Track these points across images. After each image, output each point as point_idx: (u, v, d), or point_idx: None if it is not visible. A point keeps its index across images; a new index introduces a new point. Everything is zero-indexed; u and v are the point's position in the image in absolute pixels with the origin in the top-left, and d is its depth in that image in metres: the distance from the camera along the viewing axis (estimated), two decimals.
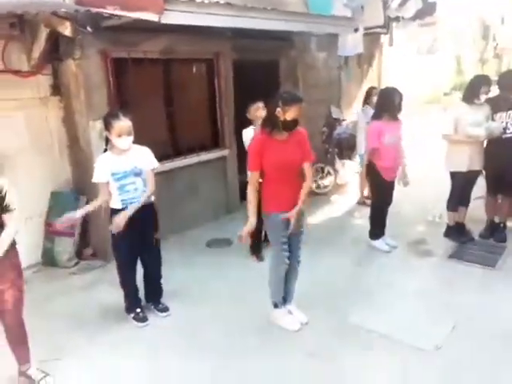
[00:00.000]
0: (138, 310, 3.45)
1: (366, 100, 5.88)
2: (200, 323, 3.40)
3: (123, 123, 3.02)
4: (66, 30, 3.38)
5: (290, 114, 2.85)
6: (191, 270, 4.27)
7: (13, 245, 2.58)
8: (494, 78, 4.72)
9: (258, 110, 4.10)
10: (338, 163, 6.78)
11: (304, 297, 3.47)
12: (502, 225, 4.70)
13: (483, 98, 4.30)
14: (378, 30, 7.52)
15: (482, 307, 3.41)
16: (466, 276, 3.95)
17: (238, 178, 5.80)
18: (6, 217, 2.46)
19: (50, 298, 3.81)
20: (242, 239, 3.01)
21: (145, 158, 3.23)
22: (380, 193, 4.50)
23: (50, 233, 4.45)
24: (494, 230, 4.70)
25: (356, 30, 6.51)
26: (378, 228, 4.60)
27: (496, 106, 4.36)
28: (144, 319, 3.42)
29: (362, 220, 5.24)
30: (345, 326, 3.26)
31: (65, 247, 4.43)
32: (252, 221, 2.99)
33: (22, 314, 2.70)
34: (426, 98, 16.32)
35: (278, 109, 2.84)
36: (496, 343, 2.97)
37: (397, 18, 7.70)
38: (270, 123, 2.92)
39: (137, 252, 3.35)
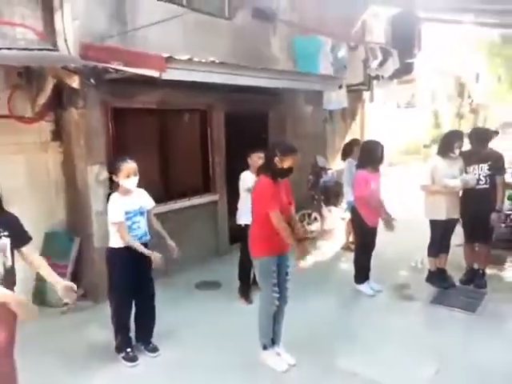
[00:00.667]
0: (129, 349, 3.49)
1: (347, 152, 6.08)
2: (189, 364, 3.44)
3: (131, 165, 3.28)
4: (74, 82, 3.67)
5: (286, 163, 3.13)
6: (180, 312, 4.32)
7: (13, 282, 2.68)
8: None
9: (261, 158, 4.29)
10: (324, 209, 7.03)
11: (291, 339, 3.55)
12: (481, 271, 4.89)
13: (457, 151, 4.64)
14: (360, 87, 8.07)
15: (464, 351, 3.54)
16: (447, 320, 4.10)
17: (228, 222, 5.98)
18: (26, 249, 2.58)
19: (40, 337, 3.80)
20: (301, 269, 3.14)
21: (146, 198, 3.46)
22: (364, 238, 4.71)
23: None
24: (473, 277, 4.89)
25: (340, 87, 7.02)
26: (362, 272, 4.77)
27: (468, 159, 4.70)
28: (134, 359, 3.46)
29: (348, 264, 5.41)
30: (331, 368, 3.34)
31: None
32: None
33: (12, 353, 2.71)
34: (406, 149, 17.08)
35: (276, 158, 3.10)
36: None
37: (377, 77, 8.29)
38: (269, 170, 3.16)
39: (133, 290, 3.44)
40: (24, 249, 2.65)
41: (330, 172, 7.37)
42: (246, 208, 4.23)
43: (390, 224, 4.56)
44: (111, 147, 4.54)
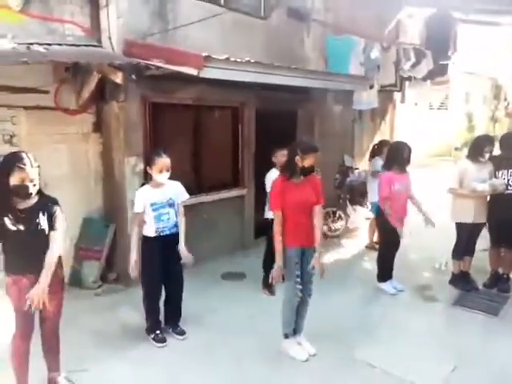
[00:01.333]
0: (158, 331, 3.71)
1: (376, 152, 6.20)
2: (213, 348, 3.63)
3: (165, 160, 3.46)
4: (118, 78, 3.90)
5: (307, 162, 3.25)
6: (206, 300, 4.52)
7: (59, 260, 2.92)
8: None
9: (284, 156, 4.45)
10: (349, 208, 7.09)
11: (313, 330, 3.69)
12: (505, 276, 4.89)
13: (487, 156, 4.65)
14: (391, 87, 8.05)
15: (482, 352, 3.59)
16: (468, 322, 4.14)
17: (254, 217, 6.15)
18: (51, 234, 2.77)
19: (76, 316, 4.05)
20: (273, 280, 3.28)
21: (178, 191, 3.64)
22: (388, 238, 4.77)
23: (80, 256, 4.79)
24: (497, 281, 4.89)
25: (371, 87, 7.05)
26: (385, 271, 4.84)
27: (498, 164, 4.70)
28: (163, 340, 3.67)
29: (371, 263, 5.48)
30: (350, 359, 3.47)
31: (91, 270, 4.76)
32: (279, 264, 3.28)
33: (59, 324, 2.99)
34: (436, 151, 16.80)
35: (297, 156, 3.24)
36: None
37: (409, 78, 8.25)
38: (290, 169, 3.31)
39: (163, 277, 3.65)
40: (52, 232, 2.76)
41: (356, 171, 7.42)
42: None
43: (429, 220, 4.64)
44: (148, 140, 4.77)
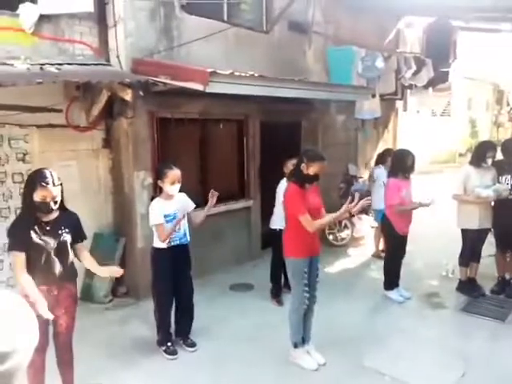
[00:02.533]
0: (169, 343, 3.76)
1: (379, 161, 6.26)
2: (223, 360, 3.67)
3: (176, 172, 3.57)
4: (127, 95, 4.02)
5: (312, 170, 3.33)
6: (215, 311, 4.57)
7: (74, 275, 3.01)
8: None
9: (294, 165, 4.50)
10: (355, 217, 7.14)
11: (322, 339, 3.74)
12: None
13: (489, 161, 4.71)
14: (393, 96, 8.16)
15: (491, 357, 3.62)
16: (476, 328, 4.17)
17: (261, 228, 6.22)
18: (79, 246, 2.93)
19: (88, 329, 4.12)
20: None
21: (186, 202, 3.73)
22: (394, 245, 4.83)
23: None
24: (504, 286, 4.92)
25: (373, 96, 7.15)
26: (392, 279, 4.88)
27: (501, 169, 4.76)
28: (174, 352, 3.73)
29: (377, 272, 5.51)
30: (359, 368, 3.50)
31: (102, 284, 4.82)
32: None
33: (72, 339, 3.06)
34: (441, 157, 16.83)
35: (303, 164, 3.31)
36: None
37: (410, 86, 8.35)
38: (297, 176, 3.38)
39: (174, 288, 3.72)
40: (79, 245, 2.97)
41: (361, 180, 7.48)
42: (280, 213, 4.48)
43: (424, 204, 4.51)
44: (156, 154, 4.88)
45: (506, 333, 4.05)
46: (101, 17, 4.52)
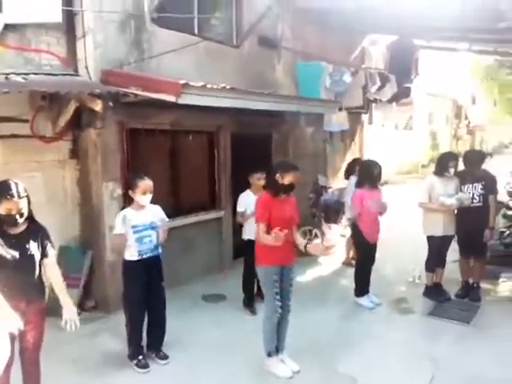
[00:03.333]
0: (141, 357, 3.68)
1: (350, 170, 6.44)
2: (197, 370, 3.63)
3: (148, 182, 3.54)
4: (97, 106, 3.97)
5: (287, 179, 3.42)
6: (188, 322, 4.51)
7: (42, 290, 2.91)
8: None
9: (260, 179, 4.59)
10: (325, 226, 7.26)
11: (295, 347, 3.75)
12: (475, 285, 5.11)
13: (452, 171, 4.93)
14: (359, 110, 8.44)
15: (458, 359, 3.74)
16: (443, 331, 4.30)
17: (232, 238, 6.22)
18: (48, 261, 2.84)
19: (56, 344, 3.93)
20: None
21: (158, 214, 3.69)
22: (364, 253, 4.95)
23: None
24: (468, 290, 5.11)
25: (340, 110, 7.38)
26: (362, 286, 4.98)
27: (463, 179, 4.99)
28: (146, 366, 3.64)
29: (348, 280, 5.62)
30: (333, 373, 3.55)
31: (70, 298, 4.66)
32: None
33: (39, 354, 2.95)
34: (404, 169, 17.46)
35: (278, 174, 3.40)
36: None
37: (375, 100, 8.67)
38: (271, 186, 3.46)
39: (146, 300, 3.65)
40: (48, 261, 2.87)
41: (330, 190, 7.65)
42: (250, 224, 4.53)
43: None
44: (125, 165, 4.81)
45: (471, 335, 4.20)
46: (69, 27, 4.46)
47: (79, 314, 4.62)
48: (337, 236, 7.41)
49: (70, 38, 4.48)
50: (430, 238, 5.01)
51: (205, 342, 4.10)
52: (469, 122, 24.06)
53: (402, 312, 4.80)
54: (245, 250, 4.74)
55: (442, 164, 4.97)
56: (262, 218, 3.42)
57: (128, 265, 3.60)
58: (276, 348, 3.64)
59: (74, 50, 4.51)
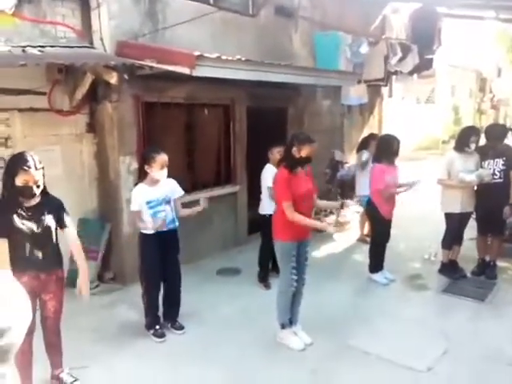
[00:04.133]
0: (158, 326, 3.79)
1: (363, 145, 6.24)
2: (212, 341, 3.72)
3: (164, 157, 3.54)
4: (112, 78, 3.94)
5: (303, 152, 3.37)
6: (203, 295, 4.60)
7: (59, 260, 2.99)
8: None
9: (280, 152, 4.52)
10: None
11: (308, 320, 3.80)
12: (492, 263, 5.06)
13: (473, 146, 4.79)
14: (379, 82, 8.19)
15: (471, 335, 3.75)
16: (457, 308, 4.29)
17: (247, 213, 6.24)
18: (66, 231, 2.93)
19: (75, 315, 4.08)
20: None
21: (173, 188, 3.71)
22: (379, 229, 4.91)
23: None
24: (485, 268, 5.06)
25: (359, 82, 7.18)
26: (377, 262, 4.97)
27: (484, 154, 4.85)
28: (162, 335, 3.76)
29: (362, 256, 5.61)
30: (345, 347, 3.59)
31: (88, 270, 4.79)
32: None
33: (60, 323, 3.06)
34: (424, 144, 17.06)
35: (294, 148, 3.34)
36: (484, 366, 3.29)
37: (396, 72, 8.39)
38: (288, 160, 3.41)
39: (162, 272, 3.73)
40: (66, 229, 2.94)
41: (346, 166, 7.55)
42: (268, 199, 4.51)
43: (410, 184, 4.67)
44: (141, 139, 4.83)
45: (485, 312, 4.18)
46: None
47: (97, 286, 4.86)
48: (352, 212, 7.38)
49: (85, 10, 4.43)
50: (447, 215, 4.94)
51: (219, 314, 4.19)
52: (493, 96, 23.20)
53: (417, 288, 4.80)
54: (262, 225, 4.75)
55: (463, 139, 4.83)
56: (286, 197, 3.34)
57: (144, 238, 3.66)
58: (290, 320, 3.69)
59: (89, 21, 4.46)
